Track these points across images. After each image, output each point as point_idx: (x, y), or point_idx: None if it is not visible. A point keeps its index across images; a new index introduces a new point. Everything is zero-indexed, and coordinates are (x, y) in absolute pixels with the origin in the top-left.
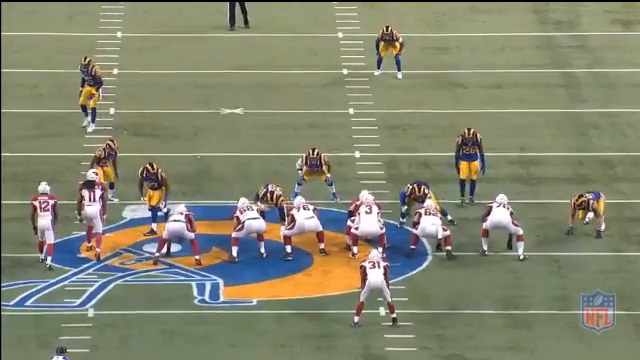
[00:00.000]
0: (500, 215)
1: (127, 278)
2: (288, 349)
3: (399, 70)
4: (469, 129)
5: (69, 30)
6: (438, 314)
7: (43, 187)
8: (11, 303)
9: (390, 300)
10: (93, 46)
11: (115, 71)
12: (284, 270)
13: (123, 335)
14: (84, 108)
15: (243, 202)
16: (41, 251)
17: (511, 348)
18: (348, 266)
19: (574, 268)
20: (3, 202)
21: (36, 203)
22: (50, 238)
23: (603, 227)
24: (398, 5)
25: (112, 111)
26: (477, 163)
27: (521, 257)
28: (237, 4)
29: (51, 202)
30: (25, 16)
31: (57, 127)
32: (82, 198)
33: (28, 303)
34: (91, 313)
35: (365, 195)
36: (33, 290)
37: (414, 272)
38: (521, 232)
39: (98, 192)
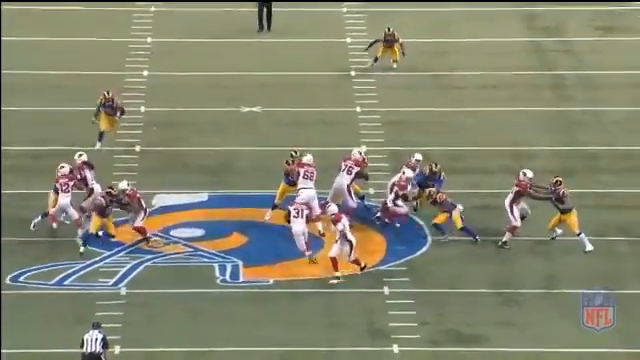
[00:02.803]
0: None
1: (156, 260)
2: (301, 325)
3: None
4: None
5: (102, 35)
6: (436, 293)
7: (63, 170)
8: (51, 282)
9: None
10: (125, 50)
11: (145, 73)
12: (297, 253)
13: (152, 312)
14: (102, 134)
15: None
16: (44, 216)
17: (502, 324)
18: (356, 249)
19: (560, 251)
20: (38, 191)
21: (57, 185)
22: (74, 215)
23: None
24: (401, 12)
25: (142, 109)
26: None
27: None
28: (265, 10)
29: (70, 183)
30: (60, 21)
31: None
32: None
33: (66, 282)
34: (123, 292)
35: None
36: (71, 271)
37: (415, 255)
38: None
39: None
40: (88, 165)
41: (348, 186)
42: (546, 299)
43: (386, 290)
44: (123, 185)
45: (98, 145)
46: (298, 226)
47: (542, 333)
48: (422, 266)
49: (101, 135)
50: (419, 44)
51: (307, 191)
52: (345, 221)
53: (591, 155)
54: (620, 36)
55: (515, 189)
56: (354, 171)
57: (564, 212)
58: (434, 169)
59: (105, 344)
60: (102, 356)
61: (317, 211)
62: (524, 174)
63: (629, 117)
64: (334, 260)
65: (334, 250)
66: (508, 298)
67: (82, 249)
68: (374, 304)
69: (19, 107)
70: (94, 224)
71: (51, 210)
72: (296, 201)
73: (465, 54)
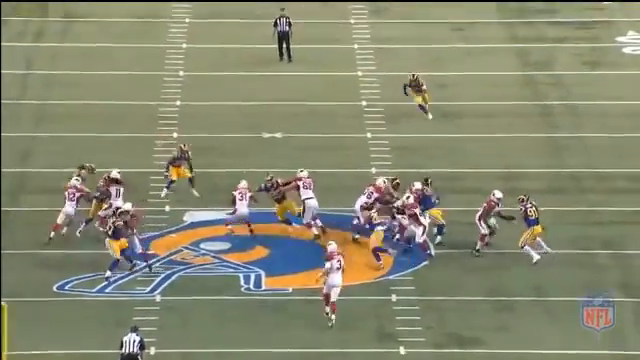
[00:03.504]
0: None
1: (187, 270)
2: (316, 328)
3: (426, 112)
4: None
5: (139, 69)
6: (439, 300)
7: (73, 181)
8: (93, 291)
9: None
10: (159, 82)
11: (178, 102)
12: (314, 264)
13: (184, 316)
14: (172, 182)
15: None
16: (54, 229)
17: (499, 328)
18: (366, 261)
19: (548, 263)
20: (82, 208)
21: (65, 194)
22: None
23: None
24: (406, 48)
25: (175, 135)
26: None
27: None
28: (284, 43)
29: (77, 194)
30: (102, 56)
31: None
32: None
33: (107, 290)
34: (158, 298)
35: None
36: (112, 280)
37: (420, 266)
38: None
39: (122, 189)
40: (116, 182)
41: (361, 206)
42: (537, 306)
43: (393, 297)
44: (128, 206)
45: (165, 192)
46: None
47: (533, 336)
48: (426, 276)
49: (170, 183)
50: (423, 77)
51: (310, 201)
52: (335, 262)
53: (577, 176)
54: (604, 70)
55: (484, 205)
56: (373, 197)
57: (530, 225)
58: (427, 192)
59: (142, 346)
60: (139, 357)
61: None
62: (493, 194)
63: (611, 142)
64: (326, 296)
65: (326, 288)
66: (503, 305)
67: (108, 273)
68: (382, 310)
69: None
70: (114, 250)
71: (58, 219)
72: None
73: (464, 86)
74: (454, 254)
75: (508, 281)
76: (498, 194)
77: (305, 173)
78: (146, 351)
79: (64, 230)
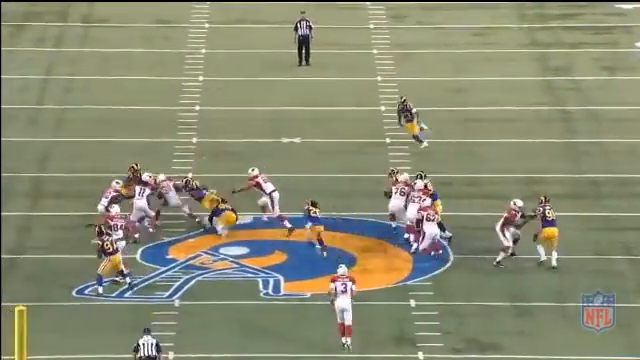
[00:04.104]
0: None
1: (206, 275)
2: (335, 333)
3: (421, 141)
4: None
5: (158, 75)
6: (458, 305)
7: (113, 184)
8: (113, 295)
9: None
10: (179, 87)
11: (197, 107)
12: (333, 269)
13: (202, 321)
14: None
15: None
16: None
17: (517, 333)
18: (385, 266)
19: (567, 268)
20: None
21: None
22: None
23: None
24: (425, 54)
25: (194, 140)
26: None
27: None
28: (304, 47)
29: (113, 194)
30: (119, 62)
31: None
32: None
33: (126, 295)
34: (177, 303)
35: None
36: (133, 283)
37: (439, 271)
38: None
39: (147, 190)
40: (144, 183)
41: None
42: (556, 311)
43: (412, 302)
44: (117, 209)
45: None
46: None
47: (553, 342)
48: (445, 281)
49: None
50: (443, 82)
51: (276, 193)
52: (339, 285)
53: (596, 182)
54: (623, 75)
55: (505, 215)
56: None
57: (544, 226)
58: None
59: (159, 348)
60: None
61: None
62: (514, 203)
63: (630, 148)
64: (340, 326)
65: (338, 318)
66: (522, 310)
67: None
68: (401, 315)
69: (88, 138)
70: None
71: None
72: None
73: (483, 91)
74: (473, 259)
75: (528, 286)
76: (519, 202)
77: (257, 171)
78: (164, 355)
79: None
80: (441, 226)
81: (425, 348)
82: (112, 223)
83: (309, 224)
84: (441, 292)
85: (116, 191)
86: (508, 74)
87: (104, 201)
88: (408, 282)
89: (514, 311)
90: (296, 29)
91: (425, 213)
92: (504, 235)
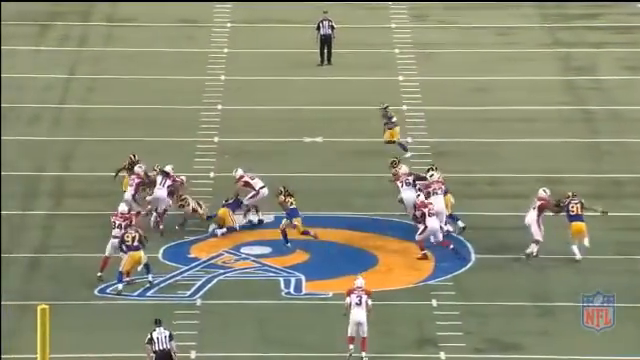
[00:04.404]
0: (528, 218)
1: (228, 274)
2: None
3: (405, 149)
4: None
5: (181, 74)
6: (480, 305)
7: (136, 168)
8: (135, 294)
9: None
10: (201, 87)
11: (219, 107)
12: (354, 269)
13: (224, 320)
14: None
15: None
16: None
17: (539, 333)
18: (407, 266)
19: (590, 269)
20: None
21: (112, 219)
22: (135, 208)
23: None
24: (447, 53)
25: (216, 139)
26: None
27: (532, 254)
28: (326, 46)
29: (137, 180)
30: (141, 62)
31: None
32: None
33: (148, 294)
34: (199, 302)
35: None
36: (154, 282)
37: (460, 271)
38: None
39: (169, 181)
40: (166, 174)
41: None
42: (578, 311)
43: (434, 302)
44: (122, 207)
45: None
46: None
47: (575, 342)
48: (467, 281)
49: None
50: (465, 81)
51: (265, 189)
52: (354, 297)
53: (618, 182)
54: None
55: (538, 204)
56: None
57: (570, 221)
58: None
59: (171, 338)
60: (172, 353)
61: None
62: (544, 191)
63: None
64: (350, 339)
65: (349, 330)
66: (545, 310)
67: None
68: (423, 315)
69: (111, 137)
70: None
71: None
72: None
73: (505, 90)
74: (494, 259)
75: (550, 286)
76: (548, 191)
77: (240, 171)
78: (185, 355)
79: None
80: (453, 217)
81: (447, 348)
82: (113, 219)
83: (286, 220)
84: (463, 292)
85: (139, 177)
86: (530, 74)
87: (131, 190)
88: (430, 282)
89: (536, 311)
90: (318, 28)
91: (426, 209)
92: (539, 227)
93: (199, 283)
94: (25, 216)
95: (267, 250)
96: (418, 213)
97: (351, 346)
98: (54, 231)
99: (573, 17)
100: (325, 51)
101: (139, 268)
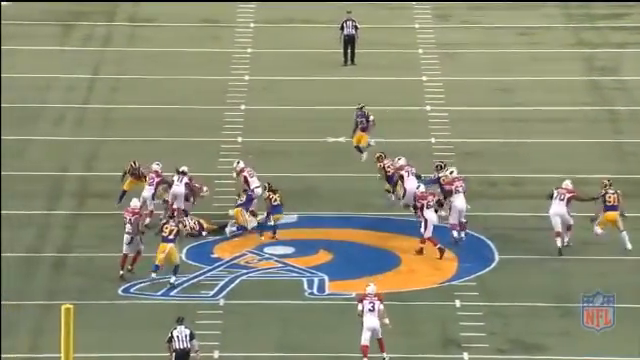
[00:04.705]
0: (555, 208)
1: (251, 274)
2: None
3: (361, 152)
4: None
5: (205, 74)
6: (503, 306)
7: (154, 166)
8: (158, 294)
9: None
10: (225, 87)
11: (242, 107)
12: (377, 269)
13: (247, 320)
14: (124, 193)
15: None
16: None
17: (562, 334)
18: (430, 267)
19: (614, 269)
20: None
21: (148, 178)
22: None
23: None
24: (471, 53)
25: (239, 139)
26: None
27: (569, 244)
28: (349, 47)
29: (157, 179)
30: (165, 62)
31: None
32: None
33: (172, 294)
34: (222, 302)
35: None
36: (176, 283)
37: (483, 272)
38: (571, 222)
39: (185, 179)
40: (183, 173)
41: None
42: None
43: (457, 303)
44: (135, 202)
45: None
46: None
47: (598, 343)
48: (490, 281)
49: (123, 194)
50: (488, 82)
51: (259, 189)
52: (366, 304)
53: None
54: None
55: (568, 196)
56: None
57: (606, 210)
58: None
59: (192, 336)
60: (191, 351)
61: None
62: (567, 184)
63: None
64: (364, 348)
65: (363, 338)
66: (567, 311)
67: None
68: (446, 316)
69: (135, 137)
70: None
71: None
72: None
73: (529, 91)
74: (518, 260)
75: (573, 287)
76: (569, 182)
77: (242, 164)
78: (209, 354)
79: (147, 221)
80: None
81: (470, 349)
82: (124, 215)
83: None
84: (486, 292)
85: (159, 175)
86: (554, 74)
87: (150, 188)
88: (453, 282)
89: (559, 312)
90: (342, 28)
91: (425, 201)
92: (569, 214)
93: (222, 283)
94: (49, 216)
95: (290, 250)
96: (418, 204)
97: (384, 354)
98: (78, 231)
99: (597, 17)
100: (349, 51)
101: (153, 275)
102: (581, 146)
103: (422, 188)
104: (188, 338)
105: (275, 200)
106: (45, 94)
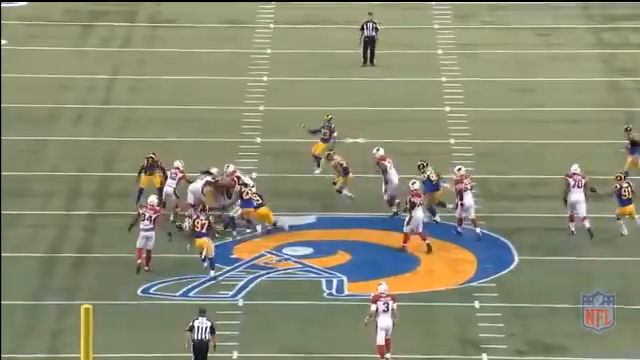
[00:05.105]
0: (577, 195)
1: (270, 275)
2: (399, 334)
3: (318, 165)
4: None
5: (222, 75)
6: (522, 307)
7: (177, 162)
8: (177, 294)
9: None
10: (244, 87)
11: (261, 107)
12: (396, 270)
13: (266, 321)
14: (142, 190)
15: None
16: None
17: (582, 335)
18: (449, 268)
19: (634, 271)
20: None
21: (168, 172)
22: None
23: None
24: (490, 54)
25: (258, 140)
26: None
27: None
28: (369, 48)
29: (179, 175)
30: (185, 63)
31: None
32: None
33: (191, 294)
34: (241, 303)
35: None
36: (195, 284)
37: (503, 273)
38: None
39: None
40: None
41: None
42: (621, 313)
43: (476, 304)
44: (152, 199)
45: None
46: None
47: (617, 345)
48: (509, 283)
49: (140, 192)
50: (508, 82)
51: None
52: (380, 304)
53: None
54: None
55: (584, 181)
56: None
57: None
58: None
59: (213, 330)
60: (209, 344)
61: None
62: (575, 170)
63: None
64: (380, 348)
65: (378, 338)
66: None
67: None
68: (465, 317)
69: (154, 138)
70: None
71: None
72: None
73: (549, 92)
74: (537, 261)
75: (592, 288)
76: (577, 166)
77: (232, 167)
78: (229, 355)
79: (171, 218)
80: (433, 211)
81: (489, 350)
82: (142, 211)
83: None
84: (505, 293)
85: (181, 172)
86: (574, 75)
87: (172, 183)
88: (472, 283)
89: (578, 313)
90: (362, 29)
91: (419, 199)
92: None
93: (241, 283)
94: (69, 216)
95: (309, 251)
96: (410, 201)
97: (388, 355)
98: (97, 231)
99: (618, 18)
100: (368, 52)
101: (204, 264)
102: (601, 147)
103: (417, 185)
104: (208, 330)
105: (247, 194)
106: (65, 94)
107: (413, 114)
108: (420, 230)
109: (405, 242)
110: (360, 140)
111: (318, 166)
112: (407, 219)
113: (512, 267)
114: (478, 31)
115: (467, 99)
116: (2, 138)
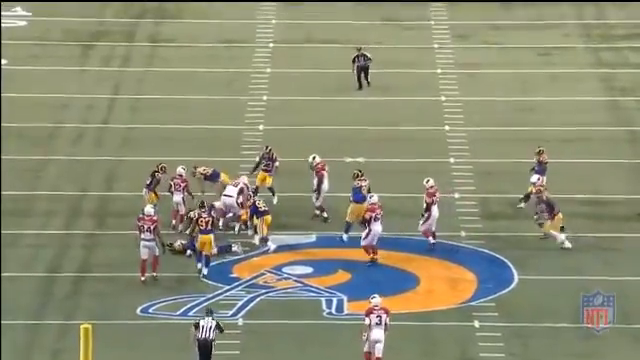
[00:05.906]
0: None
1: (270, 294)
2: (399, 353)
3: (274, 195)
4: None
5: (222, 94)
6: (522, 327)
7: (179, 169)
8: (177, 313)
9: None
10: (243, 107)
11: (261, 127)
12: (396, 289)
13: (266, 340)
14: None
15: None
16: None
17: (582, 356)
18: (449, 287)
19: (634, 290)
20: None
21: (171, 183)
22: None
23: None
24: (490, 73)
25: (258, 159)
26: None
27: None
28: (363, 74)
29: (182, 184)
30: (184, 82)
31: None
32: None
33: (191, 313)
34: (240, 322)
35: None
36: (194, 303)
37: (503, 292)
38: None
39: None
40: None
41: None
42: (622, 333)
43: (476, 323)
44: (149, 210)
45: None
46: None
47: None
48: (509, 302)
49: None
50: (507, 102)
51: (225, 198)
52: (374, 317)
53: None
54: None
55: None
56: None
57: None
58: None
59: (220, 329)
60: (214, 343)
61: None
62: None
63: None
64: (368, 355)
65: (367, 346)
66: (587, 332)
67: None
68: (465, 336)
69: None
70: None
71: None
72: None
73: (549, 111)
74: (537, 280)
75: None
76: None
77: (224, 175)
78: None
79: (180, 227)
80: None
81: None
82: (140, 223)
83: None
84: (505, 313)
85: (184, 181)
86: (573, 94)
87: (178, 194)
88: (472, 303)
89: (580, 333)
90: (354, 62)
91: (374, 214)
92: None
93: (241, 303)
94: (68, 235)
95: (309, 270)
96: (367, 216)
97: None
98: (96, 250)
99: (617, 38)
100: (362, 78)
101: (199, 265)
102: (601, 166)
103: (374, 199)
104: (213, 329)
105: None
106: (65, 113)
107: (412, 133)
108: (374, 243)
109: (373, 254)
110: (360, 160)
111: (273, 195)
112: (365, 233)
113: (512, 286)
114: (477, 50)
115: (466, 118)
116: (2, 157)
